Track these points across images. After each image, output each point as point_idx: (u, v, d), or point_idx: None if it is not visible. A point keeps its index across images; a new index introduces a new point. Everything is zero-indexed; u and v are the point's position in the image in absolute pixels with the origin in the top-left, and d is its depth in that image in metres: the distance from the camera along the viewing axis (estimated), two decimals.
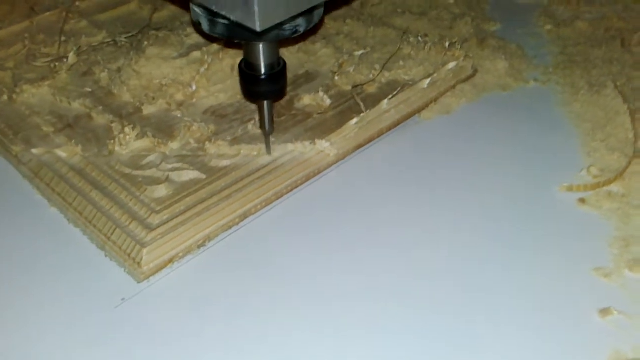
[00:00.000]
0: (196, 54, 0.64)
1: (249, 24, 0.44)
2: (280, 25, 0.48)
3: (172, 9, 0.73)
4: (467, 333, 0.44)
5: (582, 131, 0.60)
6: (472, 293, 0.46)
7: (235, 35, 0.49)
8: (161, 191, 0.52)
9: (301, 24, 0.50)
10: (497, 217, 0.52)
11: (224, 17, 0.46)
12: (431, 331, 0.44)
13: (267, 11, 0.43)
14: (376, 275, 0.48)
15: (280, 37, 0.50)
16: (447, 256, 0.49)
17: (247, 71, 0.52)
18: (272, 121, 0.55)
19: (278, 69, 0.52)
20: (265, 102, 0.54)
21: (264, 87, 0.53)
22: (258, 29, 0.43)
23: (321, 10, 0.52)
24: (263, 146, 0.55)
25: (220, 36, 0.50)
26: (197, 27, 0.51)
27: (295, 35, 0.51)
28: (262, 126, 0.55)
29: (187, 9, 0.51)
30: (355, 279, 0.48)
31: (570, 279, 0.47)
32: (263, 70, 0.52)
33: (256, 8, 0.42)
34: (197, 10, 0.50)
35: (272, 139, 0.56)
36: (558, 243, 0.50)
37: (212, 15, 0.49)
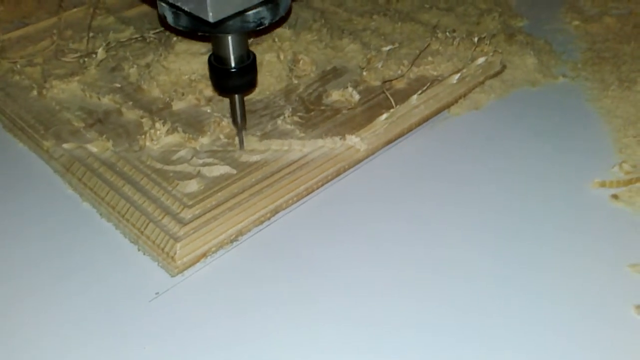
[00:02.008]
0: None
1: (202, 15, 0.43)
2: (243, 17, 0.48)
3: None
4: (501, 331, 0.44)
5: (613, 127, 0.60)
6: (504, 290, 0.46)
7: (198, 28, 0.49)
8: (193, 186, 0.52)
9: (266, 16, 0.49)
10: (528, 214, 0.52)
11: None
12: (463, 329, 0.44)
13: (219, 2, 0.43)
14: (405, 269, 0.48)
15: (244, 29, 0.49)
16: (478, 253, 0.49)
17: (216, 65, 0.52)
18: (244, 115, 0.54)
19: (248, 61, 0.52)
20: (237, 96, 0.53)
21: (235, 81, 0.52)
22: (211, 19, 0.43)
23: (288, 3, 0.51)
24: (293, 141, 0.55)
25: (185, 29, 0.50)
26: (162, 20, 0.51)
27: (261, 27, 0.50)
28: (234, 121, 0.55)
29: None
30: (385, 274, 0.47)
31: (605, 275, 0.47)
32: (233, 64, 0.51)
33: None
34: (162, 3, 0.50)
35: (299, 134, 0.56)
36: (592, 239, 0.50)
37: (176, 7, 0.48)
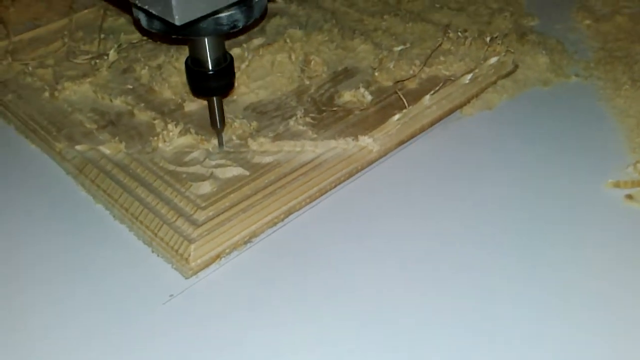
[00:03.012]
0: (236, 51, 0.64)
1: (168, 18, 0.43)
2: (216, 20, 0.48)
3: None
4: (515, 331, 0.44)
5: (626, 127, 0.59)
6: (518, 290, 0.46)
7: (171, 31, 0.48)
8: (206, 187, 0.52)
9: (239, 19, 0.49)
10: (542, 214, 0.52)
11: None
12: (478, 328, 0.44)
13: (185, 5, 0.43)
14: (419, 269, 0.48)
15: (217, 32, 0.49)
16: (492, 253, 0.49)
17: (194, 68, 0.52)
18: (222, 117, 0.54)
19: (225, 64, 0.52)
20: (215, 98, 0.53)
21: (213, 83, 0.52)
22: (177, 22, 0.43)
23: (262, 4, 0.51)
24: (306, 142, 0.55)
25: (158, 32, 0.49)
26: (137, 24, 0.51)
27: (234, 30, 0.49)
28: (212, 123, 0.54)
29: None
30: (398, 274, 0.47)
31: (620, 275, 0.47)
32: (210, 66, 0.51)
33: (173, 2, 0.42)
34: (135, 7, 0.49)
35: (312, 135, 0.56)
36: (606, 240, 0.50)
37: (144, 11, 0.47)
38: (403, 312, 0.45)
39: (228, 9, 0.48)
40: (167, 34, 0.49)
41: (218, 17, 0.48)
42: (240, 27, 0.49)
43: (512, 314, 0.45)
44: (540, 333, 0.43)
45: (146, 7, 0.44)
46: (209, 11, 0.45)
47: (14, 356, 0.43)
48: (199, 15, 0.44)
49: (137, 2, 0.45)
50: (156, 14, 0.44)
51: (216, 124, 0.54)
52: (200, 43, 0.50)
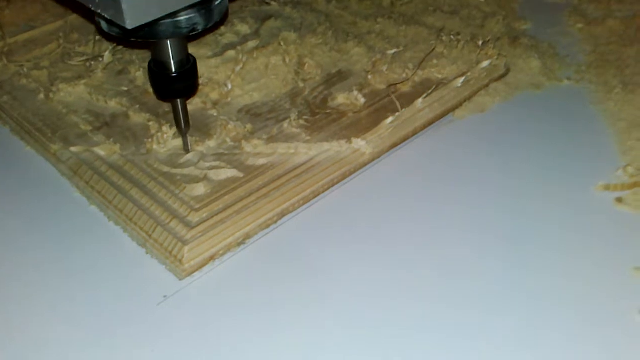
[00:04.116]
0: (231, 53, 0.64)
1: (119, 22, 0.43)
2: (175, 23, 0.48)
3: None
4: (505, 333, 0.44)
5: (617, 130, 0.60)
6: (508, 293, 0.46)
7: (130, 34, 0.48)
8: (200, 189, 0.52)
9: (199, 22, 0.49)
10: (532, 216, 0.52)
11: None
12: (471, 330, 0.44)
13: (136, 9, 0.43)
14: (411, 272, 0.48)
15: (176, 34, 0.49)
16: (482, 255, 0.49)
17: (157, 70, 0.52)
18: (187, 119, 0.55)
19: (188, 66, 0.52)
20: (179, 100, 0.54)
21: (177, 85, 0.52)
22: (128, 26, 0.43)
23: (223, 8, 0.51)
24: (299, 144, 0.56)
25: (117, 35, 0.50)
26: (98, 28, 0.51)
27: (194, 33, 0.50)
28: (177, 125, 0.55)
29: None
30: (391, 276, 0.48)
31: (610, 278, 0.47)
32: (174, 68, 0.51)
33: (124, 6, 0.42)
34: None
35: (305, 137, 0.56)
36: (596, 243, 0.50)
37: (98, 15, 0.48)
38: (396, 314, 0.45)
39: (187, 12, 0.48)
40: (127, 37, 0.49)
41: (177, 20, 0.48)
42: (200, 30, 0.50)
43: (501, 317, 0.45)
44: (531, 336, 0.44)
45: (99, 11, 0.44)
46: (160, 15, 0.45)
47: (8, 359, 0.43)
48: (150, 19, 0.45)
49: (91, 6, 0.45)
50: (109, 18, 0.44)
51: (181, 126, 0.55)
52: (162, 46, 0.50)
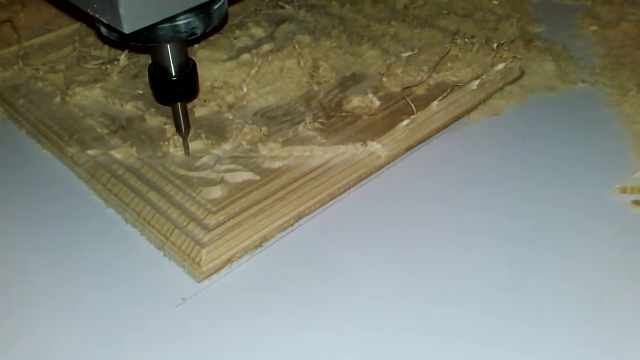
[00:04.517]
0: (246, 56, 0.64)
1: (117, 26, 0.44)
2: (174, 27, 0.48)
3: None
4: (523, 337, 0.44)
5: (633, 133, 0.60)
6: (526, 297, 0.46)
7: (130, 38, 0.48)
8: (216, 192, 0.52)
9: (198, 26, 0.50)
10: (548, 220, 0.52)
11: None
12: (484, 333, 0.44)
13: (133, 13, 0.43)
14: (428, 274, 0.48)
15: (175, 39, 0.49)
16: (498, 258, 0.49)
17: (157, 74, 0.52)
18: (187, 122, 0.55)
19: (188, 69, 0.52)
20: (179, 104, 0.54)
21: (177, 89, 0.52)
22: (125, 31, 0.44)
23: (222, 12, 0.51)
24: (315, 147, 0.56)
25: (117, 39, 0.50)
26: (98, 33, 0.52)
27: (193, 37, 0.50)
28: (177, 128, 0.55)
29: None
30: (407, 278, 0.48)
31: (627, 281, 0.47)
32: (174, 72, 0.52)
33: (122, 11, 0.42)
34: None
35: (321, 140, 0.56)
36: (612, 246, 0.50)
37: (96, 19, 0.48)
38: (413, 317, 0.45)
39: (185, 16, 0.48)
40: (126, 41, 0.49)
41: (176, 25, 0.48)
42: (199, 34, 0.50)
43: (520, 320, 0.45)
44: (545, 339, 0.44)
45: (97, 16, 0.45)
46: (157, 20, 0.45)
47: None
48: (147, 23, 0.45)
49: (89, 11, 0.45)
50: (107, 22, 0.44)
51: (181, 129, 0.55)
52: (162, 49, 0.51)
